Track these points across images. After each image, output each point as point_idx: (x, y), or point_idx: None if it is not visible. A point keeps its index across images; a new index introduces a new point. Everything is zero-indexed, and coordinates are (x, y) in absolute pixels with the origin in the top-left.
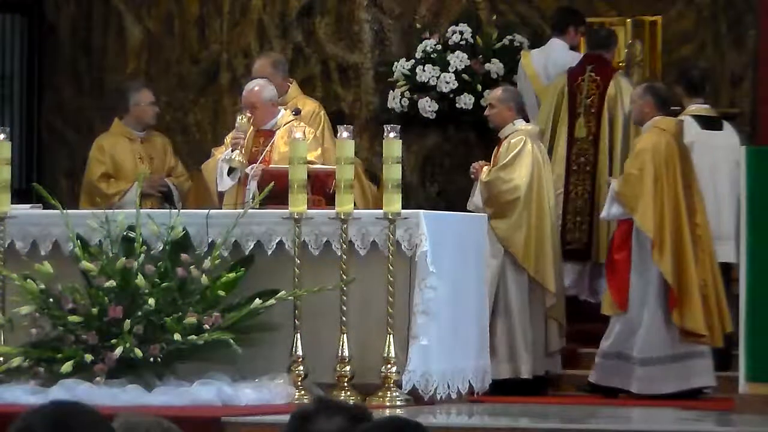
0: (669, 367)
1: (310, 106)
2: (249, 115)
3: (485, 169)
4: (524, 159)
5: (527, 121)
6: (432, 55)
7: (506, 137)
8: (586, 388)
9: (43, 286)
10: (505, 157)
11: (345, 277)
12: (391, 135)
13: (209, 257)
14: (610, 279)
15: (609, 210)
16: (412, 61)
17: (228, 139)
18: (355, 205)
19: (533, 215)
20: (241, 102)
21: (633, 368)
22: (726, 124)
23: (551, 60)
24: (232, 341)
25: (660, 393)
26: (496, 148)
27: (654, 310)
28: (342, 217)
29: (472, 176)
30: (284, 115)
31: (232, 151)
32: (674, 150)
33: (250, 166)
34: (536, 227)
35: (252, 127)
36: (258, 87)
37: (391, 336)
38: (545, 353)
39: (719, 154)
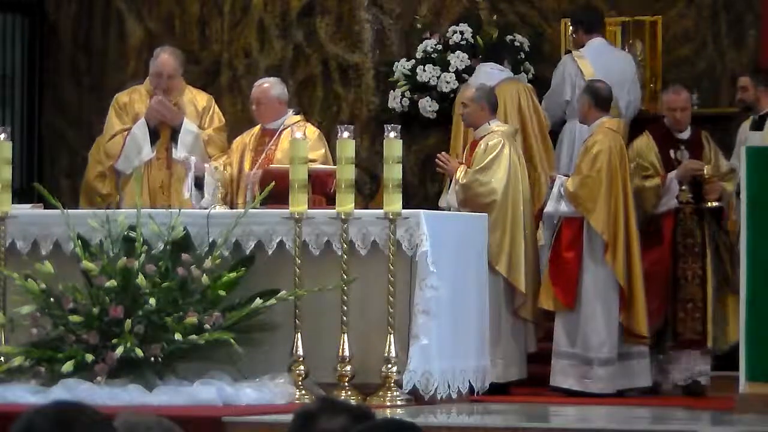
0: (618, 365)
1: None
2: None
3: (461, 169)
4: (502, 162)
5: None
6: (432, 55)
7: (482, 137)
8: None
9: (43, 286)
10: (483, 159)
11: (345, 277)
12: (392, 135)
13: (210, 257)
14: (555, 276)
15: (557, 206)
16: (413, 61)
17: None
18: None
19: (509, 218)
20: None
21: (590, 369)
22: None
23: (611, 59)
24: (232, 341)
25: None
26: (468, 147)
27: (604, 310)
28: (343, 216)
29: (441, 169)
30: (290, 116)
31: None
32: (623, 151)
33: (254, 169)
34: (511, 229)
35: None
36: (267, 84)
37: (392, 336)
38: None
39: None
